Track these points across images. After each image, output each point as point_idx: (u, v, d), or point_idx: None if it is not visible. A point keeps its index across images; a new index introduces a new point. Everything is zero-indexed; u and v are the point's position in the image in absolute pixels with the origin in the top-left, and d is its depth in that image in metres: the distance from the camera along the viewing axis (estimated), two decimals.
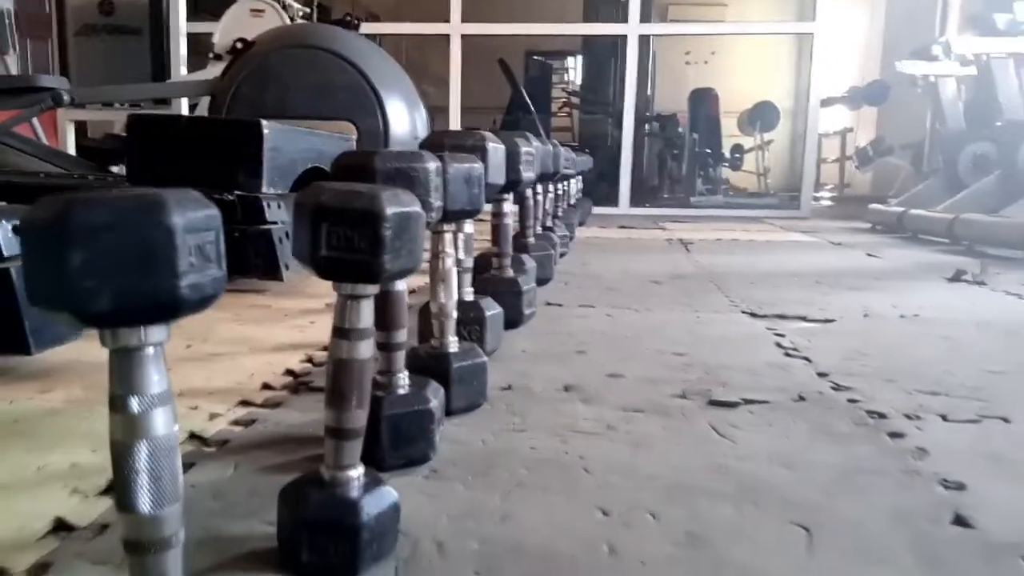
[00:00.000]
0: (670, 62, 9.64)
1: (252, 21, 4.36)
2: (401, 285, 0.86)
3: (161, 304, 0.41)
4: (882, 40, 9.86)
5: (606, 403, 1.08)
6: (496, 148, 1.20)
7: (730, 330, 1.60)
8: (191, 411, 1.01)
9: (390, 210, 0.57)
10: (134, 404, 0.43)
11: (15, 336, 1.14)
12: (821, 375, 1.24)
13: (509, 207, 1.53)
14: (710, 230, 4.33)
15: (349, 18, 4.57)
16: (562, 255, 2.74)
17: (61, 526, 0.69)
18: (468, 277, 1.32)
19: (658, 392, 1.13)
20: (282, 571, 0.61)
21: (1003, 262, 2.85)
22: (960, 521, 0.73)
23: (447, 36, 5.52)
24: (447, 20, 5.48)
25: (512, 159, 1.35)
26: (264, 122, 1.93)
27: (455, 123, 5.48)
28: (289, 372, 1.21)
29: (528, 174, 1.46)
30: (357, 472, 0.63)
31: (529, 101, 6.45)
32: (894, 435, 0.96)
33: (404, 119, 3.28)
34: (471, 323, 1.27)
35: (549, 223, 2.65)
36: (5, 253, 1.12)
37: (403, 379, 0.86)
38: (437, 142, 1.12)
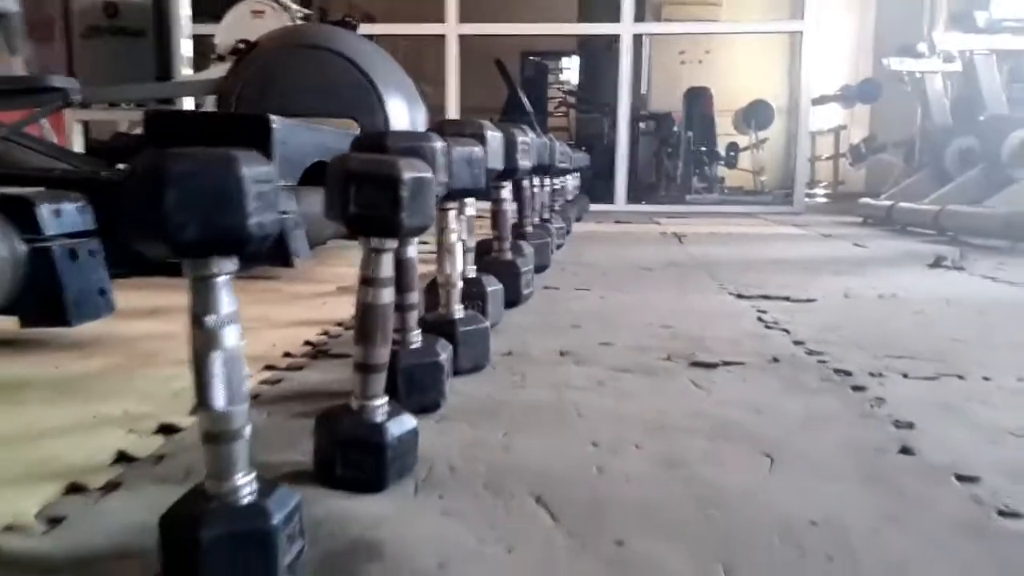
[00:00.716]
0: (665, 62, 9.75)
1: (253, 22, 4.45)
2: (413, 252, 0.96)
3: (233, 238, 0.51)
4: (874, 38, 9.97)
5: (598, 365, 1.19)
6: (494, 135, 1.30)
7: (716, 308, 1.71)
8: None
9: (407, 175, 0.68)
10: (210, 321, 0.53)
11: (56, 309, 1.24)
12: (797, 343, 1.35)
13: (507, 194, 1.63)
14: (704, 225, 4.44)
15: (348, 19, 4.67)
16: (559, 247, 2.84)
17: (123, 457, 0.79)
18: (471, 256, 1.43)
19: (645, 356, 1.24)
20: (320, 484, 0.71)
21: (983, 250, 2.96)
22: (905, 451, 0.84)
23: (443, 37, 5.63)
24: (443, 21, 5.59)
25: (509, 147, 1.46)
26: (273, 117, 2.03)
27: None
28: (307, 343, 1.31)
29: (524, 163, 1.56)
30: (381, 401, 0.73)
31: (526, 101, 6.55)
32: (856, 388, 1.07)
33: (405, 117, 3.38)
34: (474, 297, 1.37)
35: (547, 216, 2.76)
36: (47, 232, 1.22)
37: (416, 336, 0.96)
38: (438, 130, 1.22)
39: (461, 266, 1.18)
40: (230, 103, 3.26)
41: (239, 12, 4.57)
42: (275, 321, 1.49)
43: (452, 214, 1.13)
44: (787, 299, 1.82)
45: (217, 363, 0.53)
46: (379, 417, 0.72)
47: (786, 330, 1.45)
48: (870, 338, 1.40)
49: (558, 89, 9.55)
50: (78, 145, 4.58)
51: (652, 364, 1.19)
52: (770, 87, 9.78)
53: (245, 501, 0.54)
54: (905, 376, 1.14)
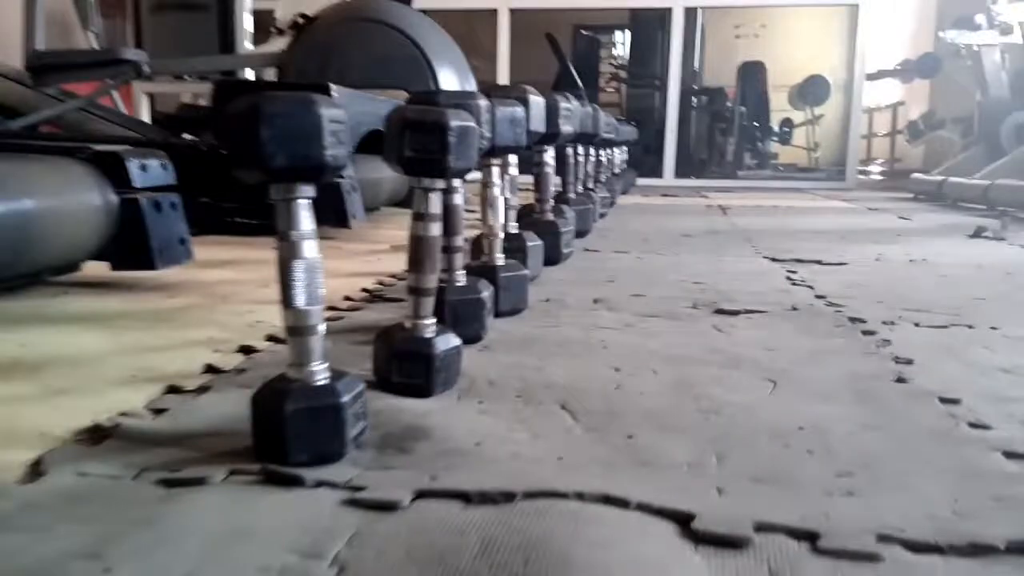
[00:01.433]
0: (720, 35, 9.63)
1: None
2: (459, 200, 1.07)
3: (313, 166, 0.63)
4: (936, 12, 9.70)
5: (627, 311, 1.29)
6: (537, 100, 1.40)
7: (748, 269, 1.79)
8: None
9: (454, 122, 0.79)
10: (293, 235, 0.65)
11: (143, 254, 1.39)
12: (819, 297, 1.43)
13: (550, 157, 1.74)
14: (751, 199, 4.47)
15: None
16: (602, 215, 2.93)
17: (211, 369, 0.93)
18: (513, 213, 1.54)
19: (673, 305, 1.34)
20: (379, 390, 0.84)
21: None
22: (899, 380, 0.93)
23: (495, 11, 5.70)
24: None
25: (551, 112, 1.56)
26: (332, 86, 2.16)
27: None
28: (364, 290, 1.44)
29: (567, 128, 1.66)
30: (431, 322, 0.85)
31: (577, 76, 6.59)
32: (867, 332, 1.16)
33: (455, 88, 3.49)
34: (515, 252, 1.48)
35: (590, 186, 2.84)
36: (137, 184, 1.37)
37: (461, 276, 1.08)
38: (485, 92, 1.33)
39: (503, 219, 1.29)
40: (290, 74, 3.42)
41: None
42: (335, 273, 1.63)
43: (495, 170, 1.24)
44: (818, 262, 1.89)
45: (299, 270, 0.65)
46: (428, 334, 0.84)
47: (811, 287, 1.53)
48: (891, 295, 1.47)
49: (610, 63, 9.53)
50: (145, 116, 4.81)
51: (678, 311, 1.29)
52: (827, 62, 9.60)
53: (320, 383, 0.66)
54: (916, 325, 1.22)
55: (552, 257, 1.74)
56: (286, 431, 0.64)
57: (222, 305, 1.29)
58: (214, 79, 4.05)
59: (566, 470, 0.65)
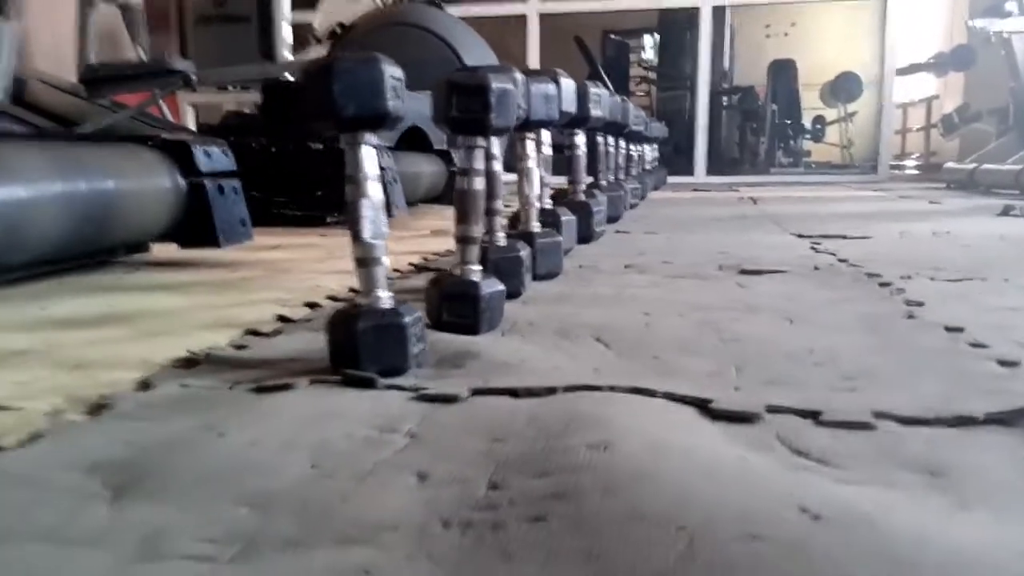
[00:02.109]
0: (749, 35, 9.64)
1: (348, 6, 4.76)
2: (498, 167, 1.17)
3: (377, 116, 0.73)
4: (969, 3, 9.61)
5: (657, 274, 1.38)
6: (568, 82, 1.50)
7: (774, 242, 1.87)
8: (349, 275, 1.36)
9: (495, 84, 0.89)
10: (360, 177, 0.75)
11: (208, 234, 1.51)
12: (841, 260, 1.50)
13: (581, 140, 1.83)
14: (782, 191, 4.51)
15: None
16: (633, 206, 3.01)
17: (282, 319, 1.04)
18: (547, 191, 1.63)
19: (700, 268, 1.43)
20: (432, 330, 0.94)
21: None
22: (909, 317, 1.00)
23: (524, 16, 5.82)
24: (524, 0, 5.78)
25: (582, 95, 1.65)
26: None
27: None
28: (411, 264, 1.55)
29: (596, 112, 1.76)
30: (476, 267, 0.95)
31: (606, 78, 6.68)
32: (883, 284, 1.23)
33: None
34: (549, 225, 1.57)
35: (621, 177, 2.93)
36: (203, 169, 1.50)
37: (502, 237, 1.18)
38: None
39: (538, 190, 1.39)
40: None
41: None
42: None
43: (531, 144, 1.34)
44: (843, 236, 1.96)
45: (366, 207, 0.76)
46: (475, 278, 0.94)
47: (833, 253, 1.60)
48: (910, 259, 1.53)
49: (639, 66, 9.59)
50: (191, 126, 5.00)
51: (704, 272, 1.38)
52: (859, 59, 9.57)
53: (385, 307, 0.77)
54: (931, 279, 1.29)
55: (584, 235, 1.83)
56: (358, 346, 0.74)
57: (283, 276, 1.41)
58: (259, 86, 4.21)
59: (600, 376, 0.74)
